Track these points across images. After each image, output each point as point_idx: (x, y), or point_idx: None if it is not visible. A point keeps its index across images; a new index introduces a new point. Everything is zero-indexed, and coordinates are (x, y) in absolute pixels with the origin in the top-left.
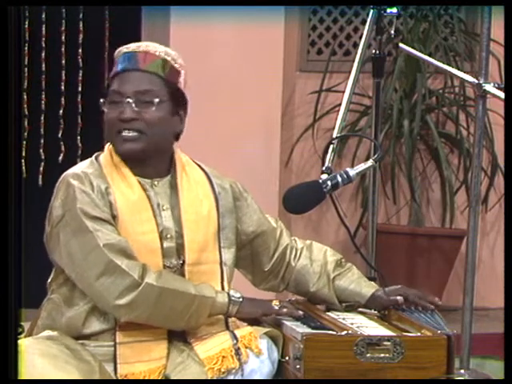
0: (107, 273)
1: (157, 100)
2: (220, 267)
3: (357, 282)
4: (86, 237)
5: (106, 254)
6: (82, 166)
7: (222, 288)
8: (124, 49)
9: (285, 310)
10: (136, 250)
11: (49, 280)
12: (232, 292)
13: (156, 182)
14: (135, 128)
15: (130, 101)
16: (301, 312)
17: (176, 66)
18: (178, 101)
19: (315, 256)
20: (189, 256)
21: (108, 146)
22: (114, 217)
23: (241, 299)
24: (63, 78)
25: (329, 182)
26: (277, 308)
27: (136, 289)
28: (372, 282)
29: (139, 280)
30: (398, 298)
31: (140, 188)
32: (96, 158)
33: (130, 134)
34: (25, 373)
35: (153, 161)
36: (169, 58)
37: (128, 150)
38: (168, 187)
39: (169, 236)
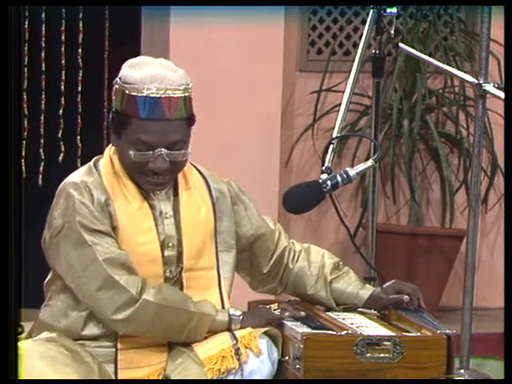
0: (105, 287)
1: (185, 144)
2: (217, 273)
3: (354, 284)
4: (85, 250)
5: (105, 268)
6: (82, 174)
7: (220, 293)
8: (141, 87)
9: (287, 313)
10: (136, 260)
11: (45, 281)
12: (232, 311)
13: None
14: (166, 175)
15: (162, 153)
16: (303, 313)
17: (191, 93)
18: (193, 122)
19: (313, 259)
20: (187, 262)
21: (108, 152)
22: (114, 228)
23: (241, 317)
24: (63, 77)
25: (329, 182)
26: (279, 313)
27: (133, 305)
28: (368, 285)
29: (137, 296)
30: (405, 297)
31: (141, 197)
32: (95, 165)
33: (158, 179)
34: (24, 375)
35: None
36: (187, 94)
37: (153, 189)
38: (171, 194)
39: (170, 244)
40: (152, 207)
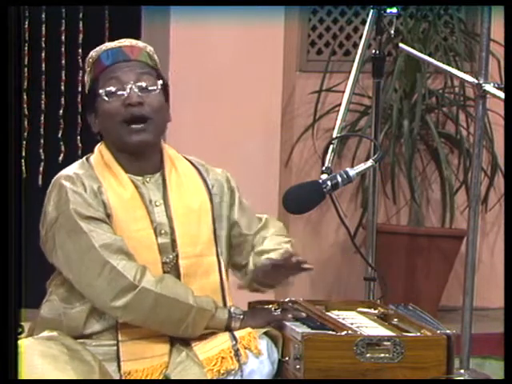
0: (103, 274)
1: (155, 86)
2: (217, 259)
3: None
4: (81, 238)
5: (102, 254)
6: (73, 168)
7: (221, 279)
8: (103, 47)
9: (288, 314)
10: (132, 247)
11: (49, 280)
12: (233, 309)
13: (148, 179)
14: (142, 113)
15: (133, 86)
16: (303, 313)
17: (156, 59)
18: (166, 92)
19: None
20: (182, 250)
21: (98, 147)
22: (109, 216)
23: (241, 316)
24: (63, 78)
25: (329, 182)
26: (280, 315)
27: (131, 291)
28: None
29: (135, 283)
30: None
31: (132, 185)
32: (87, 159)
33: (139, 126)
34: (24, 373)
35: (146, 154)
36: (150, 52)
37: (138, 142)
38: (160, 183)
39: (163, 232)
40: (142, 196)
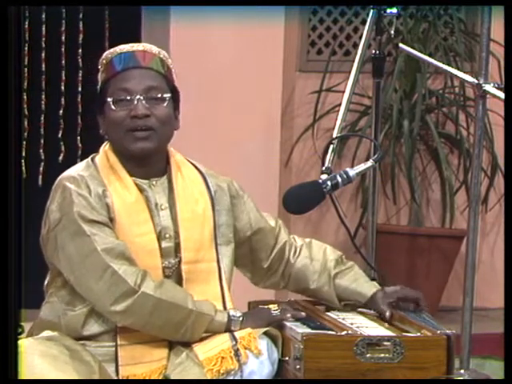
0: (104, 278)
1: (164, 96)
2: (217, 265)
3: (358, 281)
4: (83, 241)
5: (104, 258)
6: (79, 169)
7: (221, 286)
8: (117, 49)
9: (288, 314)
10: (134, 251)
11: (45, 283)
12: (232, 312)
13: (154, 182)
14: (148, 125)
15: (141, 97)
16: (303, 313)
17: (170, 65)
18: (176, 99)
19: (315, 254)
20: (185, 255)
21: (103, 148)
22: (112, 219)
23: (241, 318)
24: (63, 78)
25: (329, 182)
26: (280, 315)
27: (131, 296)
28: (374, 282)
29: (135, 287)
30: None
31: (136, 189)
32: (92, 160)
33: (143, 133)
34: (24, 373)
35: (152, 160)
36: (164, 58)
37: (141, 149)
38: (166, 186)
39: (167, 236)
40: (147, 199)
